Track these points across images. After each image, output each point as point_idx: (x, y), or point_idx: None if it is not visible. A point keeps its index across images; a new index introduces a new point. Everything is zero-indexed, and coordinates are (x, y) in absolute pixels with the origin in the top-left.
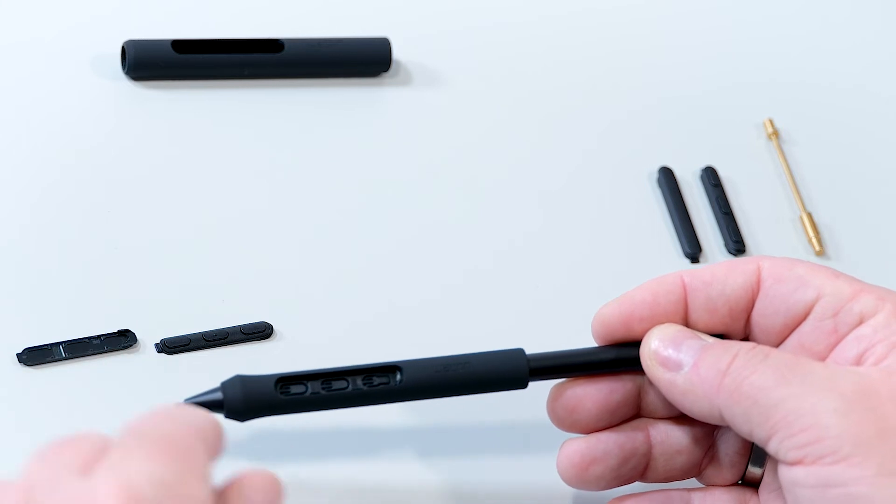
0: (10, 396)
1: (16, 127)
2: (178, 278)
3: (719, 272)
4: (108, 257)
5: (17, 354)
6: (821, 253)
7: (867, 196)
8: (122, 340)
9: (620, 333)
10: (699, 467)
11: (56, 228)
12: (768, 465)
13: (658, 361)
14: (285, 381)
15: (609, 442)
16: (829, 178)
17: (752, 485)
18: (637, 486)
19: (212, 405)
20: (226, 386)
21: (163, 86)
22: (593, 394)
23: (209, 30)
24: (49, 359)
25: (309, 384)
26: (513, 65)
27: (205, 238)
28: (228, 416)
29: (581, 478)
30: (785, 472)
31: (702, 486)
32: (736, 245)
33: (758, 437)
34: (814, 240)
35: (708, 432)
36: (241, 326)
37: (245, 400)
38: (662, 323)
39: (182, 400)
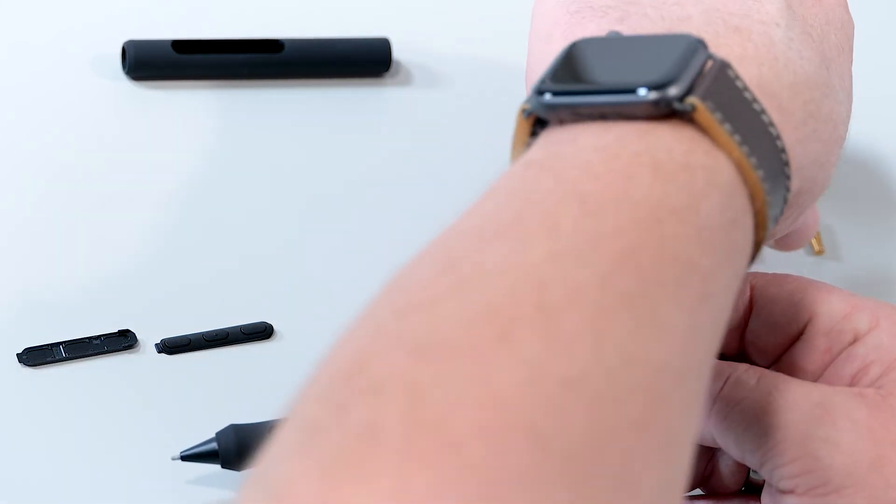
0: (10, 396)
1: (16, 127)
2: (179, 278)
3: None
4: (109, 257)
5: (17, 354)
6: (821, 253)
7: (867, 196)
8: (122, 340)
9: None
10: (701, 476)
11: (56, 228)
12: None
13: None
14: None
15: None
16: None
17: (755, 491)
18: None
19: (207, 456)
20: (220, 436)
21: (163, 86)
22: None
23: (209, 30)
24: (49, 359)
25: None
26: (513, 65)
27: (205, 238)
28: (224, 466)
29: None
30: (778, 500)
31: (704, 494)
32: None
33: (751, 462)
34: (813, 240)
35: (708, 445)
36: (241, 326)
37: (239, 449)
38: None
39: (178, 453)
